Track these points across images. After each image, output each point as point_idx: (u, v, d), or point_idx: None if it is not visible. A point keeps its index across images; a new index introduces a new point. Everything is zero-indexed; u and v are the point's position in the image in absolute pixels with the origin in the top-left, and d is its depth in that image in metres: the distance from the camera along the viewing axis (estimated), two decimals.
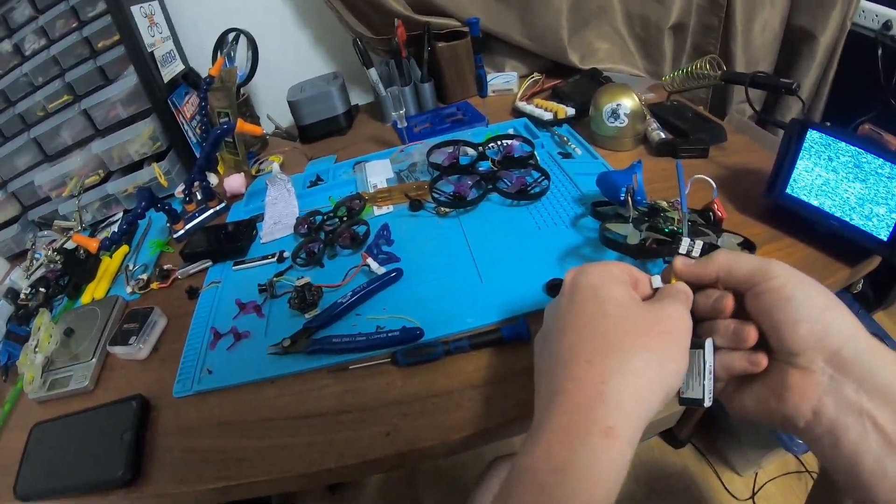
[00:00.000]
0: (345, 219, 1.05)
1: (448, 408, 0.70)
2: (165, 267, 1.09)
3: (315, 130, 1.48)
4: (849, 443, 0.42)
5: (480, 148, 1.11)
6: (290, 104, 1.46)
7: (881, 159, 0.78)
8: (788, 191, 0.89)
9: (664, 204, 0.88)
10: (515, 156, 1.08)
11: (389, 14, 1.39)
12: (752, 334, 0.49)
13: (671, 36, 1.60)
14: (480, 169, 1.08)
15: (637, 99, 1.12)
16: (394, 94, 1.27)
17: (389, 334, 0.78)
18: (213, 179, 1.38)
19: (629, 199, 0.83)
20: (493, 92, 1.49)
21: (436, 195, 1.02)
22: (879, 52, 1.72)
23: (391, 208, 1.07)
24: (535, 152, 1.09)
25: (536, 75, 1.50)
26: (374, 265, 0.91)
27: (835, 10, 1.64)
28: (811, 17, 1.70)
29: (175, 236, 1.19)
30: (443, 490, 1.64)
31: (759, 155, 1.07)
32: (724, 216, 0.88)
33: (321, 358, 0.79)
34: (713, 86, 1.27)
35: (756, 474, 1.59)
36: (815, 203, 0.85)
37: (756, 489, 1.56)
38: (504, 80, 1.49)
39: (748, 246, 0.80)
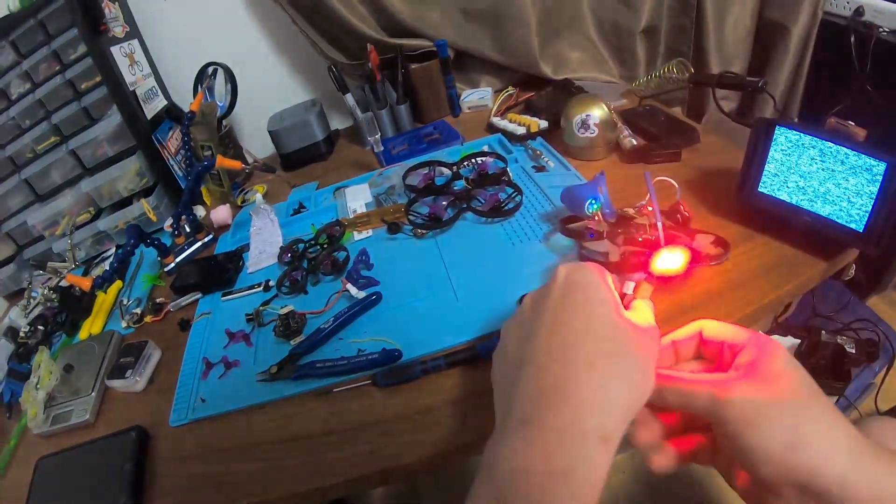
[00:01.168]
0: (326, 246, 1.08)
1: (428, 424, 0.73)
2: (158, 300, 1.13)
3: (297, 158, 1.52)
4: None
5: (455, 167, 1.14)
6: (271, 133, 1.49)
7: (847, 149, 0.80)
8: (760, 189, 0.91)
9: (631, 212, 0.91)
10: (489, 173, 1.11)
11: (363, 39, 1.43)
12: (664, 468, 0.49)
13: (643, 40, 1.62)
14: (455, 189, 1.12)
15: (606, 108, 1.15)
16: (368, 119, 1.30)
17: (370, 357, 0.82)
18: (200, 212, 1.41)
19: (599, 215, 0.86)
20: (469, 108, 1.53)
21: (412, 217, 1.05)
22: (852, 38, 1.71)
23: (370, 232, 1.11)
24: (508, 168, 1.13)
25: (511, 89, 1.53)
26: (353, 290, 0.94)
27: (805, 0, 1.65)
28: (782, 9, 1.69)
29: (166, 270, 1.22)
30: (445, 498, 1.66)
31: (733, 154, 1.09)
32: (689, 215, 0.91)
33: (307, 383, 0.83)
34: (684, 88, 1.30)
35: None
36: (788, 199, 0.88)
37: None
38: (479, 95, 1.53)
39: (721, 244, 0.83)
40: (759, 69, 1.77)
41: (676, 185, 0.90)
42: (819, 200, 0.84)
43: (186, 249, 1.26)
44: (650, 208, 0.90)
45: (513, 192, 1.05)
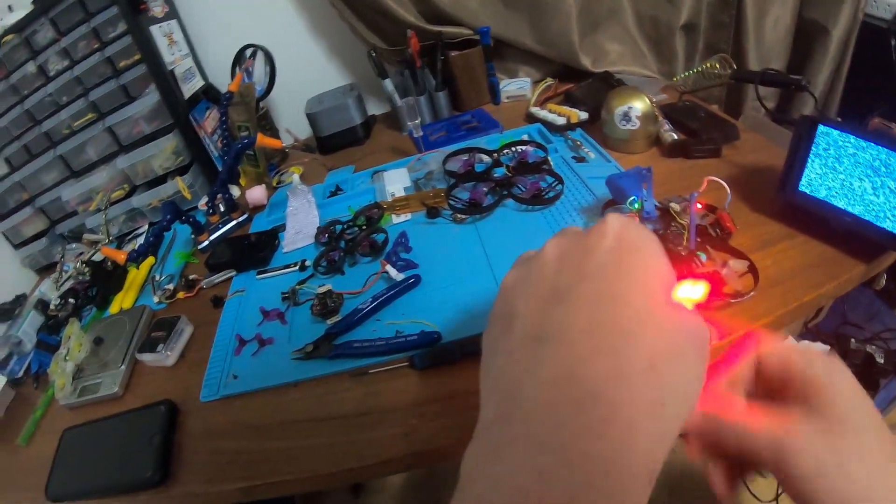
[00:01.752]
0: (364, 227, 1.07)
1: (463, 409, 0.71)
2: (191, 277, 1.13)
3: (334, 141, 1.51)
4: None
5: (495, 155, 1.13)
6: (309, 116, 1.49)
7: (889, 150, 0.78)
8: (801, 188, 0.89)
9: (676, 207, 0.89)
10: (529, 161, 1.09)
11: (402, 25, 1.42)
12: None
13: (683, 35, 1.60)
14: (495, 175, 1.10)
15: (648, 101, 1.13)
16: (409, 104, 1.30)
17: (408, 338, 0.80)
18: (235, 191, 1.41)
19: (637, 216, 0.85)
20: (507, 98, 1.51)
21: (452, 202, 1.04)
22: (893, 42, 1.70)
23: (409, 216, 1.09)
24: (549, 157, 1.11)
25: (549, 80, 1.51)
26: (392, 272, 0.93)
27: (846, 2, 1.63)
28: (823, 10, 1.68)
29: (200, 247, 1.22)
30: None
31: (773, 153, 1.07)
32: (732, 229, 0.88)
33: (343, 362, 0.82)
34: (724, 84, 1.27)
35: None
36: (828, 199, 0.85)
37: (780, 490, 1.53)
38: (517, 86, 1.51)
39: (753, 273, 0.80)
40: (797, 70, 1.75)
41: (728, 190, 0.87)
42: (860, 202, 0.82)
43: (221, 228, 1.26)
44: (698, 206, 0.88)
45: (554, 181, 1.03)
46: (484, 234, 0.99)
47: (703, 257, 0.81)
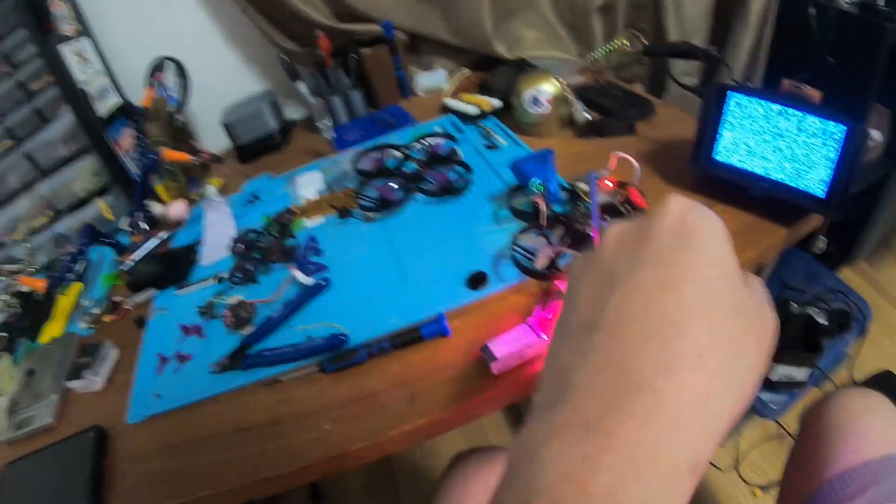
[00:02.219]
0: (278, 235, 1.08)
1: (376, 409, 0.73)
2: (115, 299, 1.12)
3: (252, 149, 1.50)
4: None
5: (405, 150, 1.14)
6: (225, 126, 1.48)
7: (804, 113, 0.79)
8: (715, 156, 0.90)
9: (583, 187, 0.91)
10: (440, 154, 1.11)
11: (313, 25, 1.41)
12: None
13: (600, 17, 1.61)
14: (405, 171, 1.11)
15: (557, 83, 1.15)
16: (318, 104, 1.29)
17: (316, 343, 0.82)
18: (157, 208, 1.39)
19: (541, 206, 0.86)
20: (423, 92, 1.52)
21: (361, 201, 1.05)
22: (812, 10, 1.72)
23: (322, 219, 1.10)
24: (458, 147, 1.12)
25: (465, 70, 1.52)
26: (300, 276, 0.94)
27: None
28: None
29: (122, 268, 1.21)
30: (424, 492, 1.66)
31: (689, 125, 1.06)
32: (643, 205, 0.89)
33: (256, 372, 0.83)
34: (637, 61, 1.29)
35: (738, 443, 1.58)
36: (745, 166, 0.87)
37: (739, 458, 1.55)
38: (433, 78, 1.52)
39: None
40: (719, 41, 1.77)
41: (636, 165, 0.89)
42: (777, 167, 0.84)
43: (143, 247, 1.25)
44: (608, 183, 0.90)
45: (463, 171, 1.05)
46: (394, 230, 1.01)
47: None
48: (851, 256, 1.84)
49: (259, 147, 1.51)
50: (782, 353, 1.47)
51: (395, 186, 1.06)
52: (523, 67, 1.40)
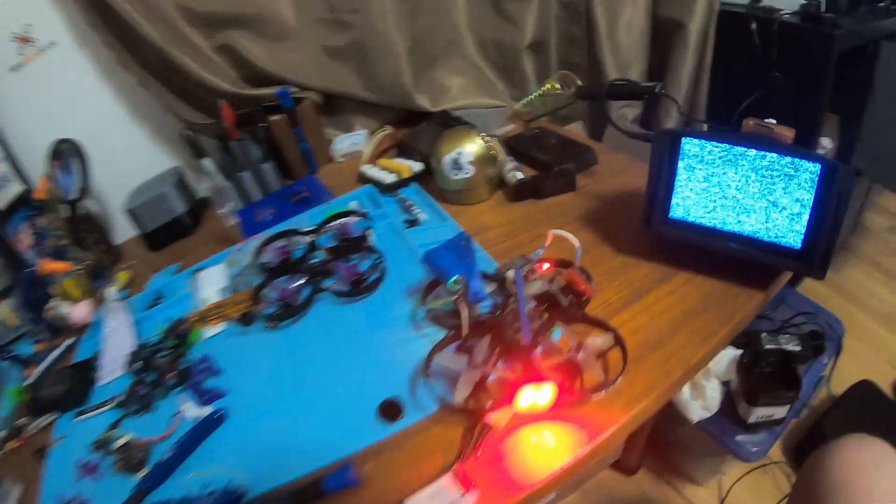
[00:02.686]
0: (173, 349, 0.90)
1: None
2: (18, 423, 0.93)
3: (160, 236, 1.32)
4: None
5: (311, 236, 0.97)
6: (129, 213, 1.31)
7: (771, 154, 0.69)
8: (672, 214, 0.78)
9: (513, 277, 0.75)
10: (353, 236, 0.94)
11: (216, 94, 1.26)
12: None
13: (531, 55, 1.51)
14: (311, 263, 0.94)
15: (480, 141, 1.00)
16: (215, 188, 1.12)
17: (205, 500, 0.65)
18: (64, 308, 1.21)
19: (462, 311, 0.71)
20: (342, 157, 1.36)
21: (262, 306, 0.88)
22: (753, 26, 1.68)
23: (223, 327, 0.92)
24: (372, 228, 0.96)
25: (387, 129, 1.36)
26: (188, 409, 0.77)
27: None
28: (677, 5, 1.66)
29: (28, 383, 1.02)
30: None
31: (638, 172, 0.95)
32: (587, 292, 0.75)
33: None
34: (571, 104, 1.16)
35: (720, 480, 1.53)
36: (708, 223, 0.76)
37: (724, 495, 1.50)
38: (352, 141, 1.36)
39: (620, 345, 0.68)
40: (659, 70, 1.69)
41: (576, 244, 0.75)
42: (744, 219, 0.73)
43: (46, 358, 1.07)
44: (544, 267, 0.75)
45: (377, 260, 0.89)
46: (298, 342, 0.83)
47: (558, 334, 0.68)
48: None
49: (168, 233, 1.33)
50: (759, 396, 1.39)
51: (299, 285, 0.88)
52: (446, 122, 1.25)
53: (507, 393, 0.62)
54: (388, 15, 1.30)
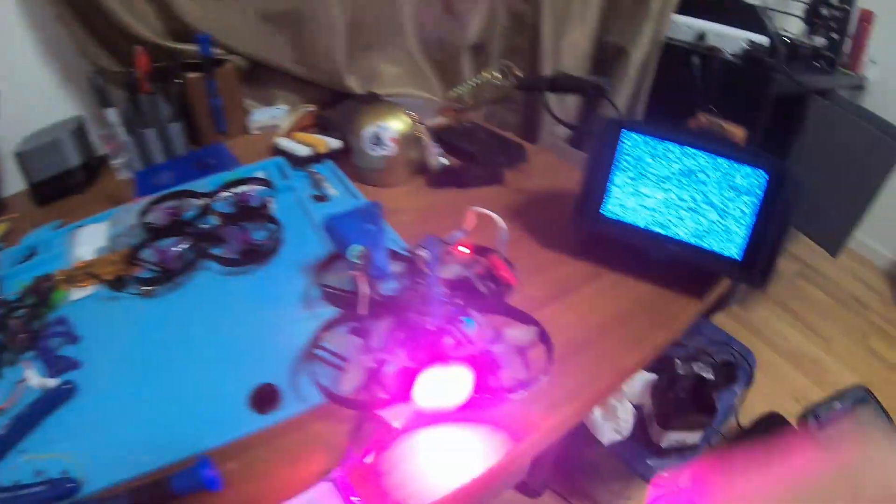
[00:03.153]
0: (30, 309, 0.79)
1: None
2: None
3: (49, 189, 1.19)
4: None
5: (205, 200, 0.88)
6: (17, 157, 1.17)
7: (717, 157, 0.66)
8: (606, 212, 0.74)
9: (427, 255, 0.69)
10: (252, 205, 0.86)
11: (135, 41, 1.16)
12: None
13: (472, 57, 1.48)
14: (201, 227, 0.85)
15: (407, 119, 0.94)
16: (110, 136, 1.01)
17: (33, 491, 0.55)
18: None
19: (361, 286, 0.62)
20: (258, 129, 1.27)
21: (136, 270, 0.78)
22: (696, 61, 1.74)
23: (91, 290, 0.82)
24: (274, 198, 0.88)
25: (309, 106, 1.28)
26: (34, 378, 0.66)
27: (646, 25, 1.63)
28: (622, 34, 1.70)
29: None
30: None
31: (569, 175, 0.92)
32: (511, 281, 0.69)
33: None
34: (507, 95, 1.11)
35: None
36: (643, 224, 0.72)
37: None
38: (271, 114, 1.27)
39: (545, 341, 0.62)
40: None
41: (502, 225, 0.70)
42: (684, 223, 0.69)
43: None
44: (461, 249, 0.69)
45: (274, 230, 0.80)
46: (175, 311, 0.74)
47: (472, 325, 0.61)
48: (725, 301, 1.94)
49: (58, 187, 1.20)
50: (673, 420, 1.39)
51: (183, 249, 0.79)
52: (372, 103, 1.17)
53: (407, 386, 0.53)
54: None
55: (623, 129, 0.72)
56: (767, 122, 1.84)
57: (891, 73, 3.45)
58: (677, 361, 1.45)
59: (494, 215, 0.69)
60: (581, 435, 1.49)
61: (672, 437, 1.42)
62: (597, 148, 0.74)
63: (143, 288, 0.76)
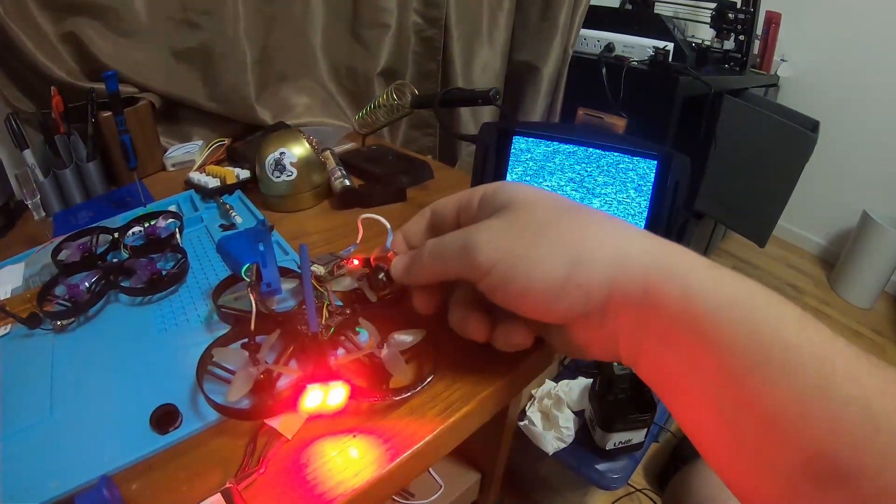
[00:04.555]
0: None
1: None
2: None
3: None
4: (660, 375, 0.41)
5: (116, 234, 0.92)
6: None
7: (601, 150, 0.69)
8: None
9: (319, 270, 0.74)
10: (162, 237, 0.90)
11: (50, 81, 1.19)
12: (520, 342, 0.52)
13: (382, 83, 1.53)
14: (109, 262, 0.89)
15: (307, 144, 0.99)
16: (23, 177, 1.04)
17: None
18: None
19: (253, 302, 0.66)
20: (173, 166, 1.31)
21: (47, 305, 0.81)
22: (604, 71, 1.81)
23: (8, 328, 0.85)
24: (181, 228, 0.92)
25: (222, 140, 1.32)
26: None
27: (555, 42, 1.70)
28: (532, 51, 1.76)
29: None
30: None
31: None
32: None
33: None
34: (405, 115, 1.17)
35: None
36: None
37: None
38: (185, 150, 1.31)
39: (432, 343, 0.64)
40: (512, 109, 1.78)
41: (387, 225, 0.74)
42: None
43: None
44: (354, 262, 0.74)
45: (180, 259, 0.85)
46: (86, 342, 0.77)
47: (364, 335, 0.65)
48: None
49: None
50: (614, 422, 1.43)
51: (91, 283, 0.83)
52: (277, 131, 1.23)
53: (295, 396, 0.56)
54: (240, 22, 1.28)
55: (513, 135, 0.75)
56: (679, 124, 1.92)
57: (801, 69, 3.65)
58: (615, 364, 1.48)
59: (379, 217, 0.73)
60: (527, 450, 1.51)
61: (616, 438, 1.46)
62: (482, 153, 0.78)
63: (56, 323, 0.80)
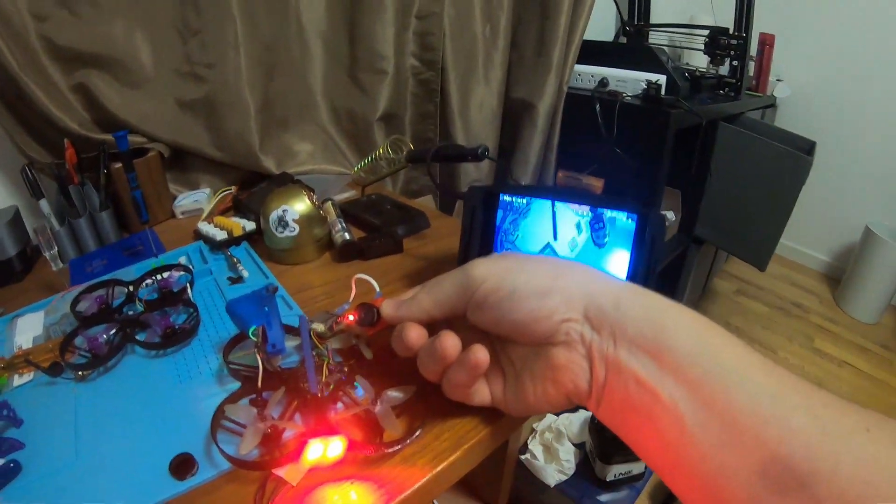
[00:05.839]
0: None
1: None
2: None
3: None
4: (626, 404, 0.45)
5: (130, 287, 0.98)
6: None
7: (582, 207, 0.74)
8: None
9: (319, 328, 0.79)
10: (174, 290, 0.96)
11: (63, 133, 1.25)
12: (480, 357, 0.54)
13: (382, 127, 1.58)
14: (126, 314, 0.95)
15: (308, 200, 1.05)
16: (41, 230, 1.09)
17: None
18: None
19: (259, 361, 0.73)
20: (183, 213, 1.37)
21: (69, 356, 0.87)
22: (597, 107, 1.84)
23: (31, 375, 0.91)
24: (193, 282, 0.99)
25: (229, 189, 1.39)
26: None
27: (550, 78, 1.73)
28: (528, 88, 1.78)
29: None
30: None
31: None
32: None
33: None
34: (401, 168, 1.23)
35: None
36: None
37: None
38: (193, 198, 1.38)
39: (419, 393, 0.69)
40: (510, 147, 1.82)
41: (376, 287, 0.79)
42: None
43: None
44: (350, 318, 0.78)
45: (192, 313, 0.91)
46: (106, 393, 0.83)
47: (360, 391, 0.71)
48: None
49: None
50: (613, 454, 1.45)
51: (110, 335, 0.89)
52: (286, 184, 1.29)
53: (299, 448, 0.62)
54: (242, 72, 1.34)
55: (500, 196, 0.80)
56: (674, 155, 1.94)
57: (798, 88, 3.68)
58: None
59: (368, 278, 0.78)
60: (531, 481, 1.54)
61: (616, 470, 1.48)
62: (469, 213, 0.82)
63: (77, 373, 0.86)
